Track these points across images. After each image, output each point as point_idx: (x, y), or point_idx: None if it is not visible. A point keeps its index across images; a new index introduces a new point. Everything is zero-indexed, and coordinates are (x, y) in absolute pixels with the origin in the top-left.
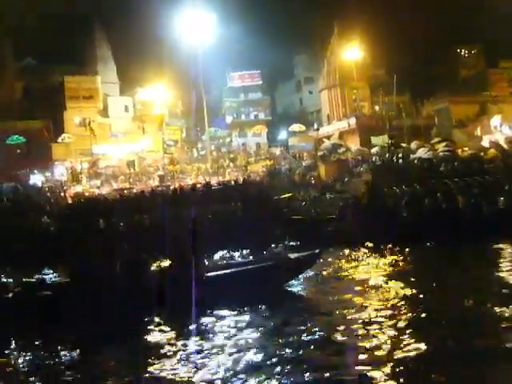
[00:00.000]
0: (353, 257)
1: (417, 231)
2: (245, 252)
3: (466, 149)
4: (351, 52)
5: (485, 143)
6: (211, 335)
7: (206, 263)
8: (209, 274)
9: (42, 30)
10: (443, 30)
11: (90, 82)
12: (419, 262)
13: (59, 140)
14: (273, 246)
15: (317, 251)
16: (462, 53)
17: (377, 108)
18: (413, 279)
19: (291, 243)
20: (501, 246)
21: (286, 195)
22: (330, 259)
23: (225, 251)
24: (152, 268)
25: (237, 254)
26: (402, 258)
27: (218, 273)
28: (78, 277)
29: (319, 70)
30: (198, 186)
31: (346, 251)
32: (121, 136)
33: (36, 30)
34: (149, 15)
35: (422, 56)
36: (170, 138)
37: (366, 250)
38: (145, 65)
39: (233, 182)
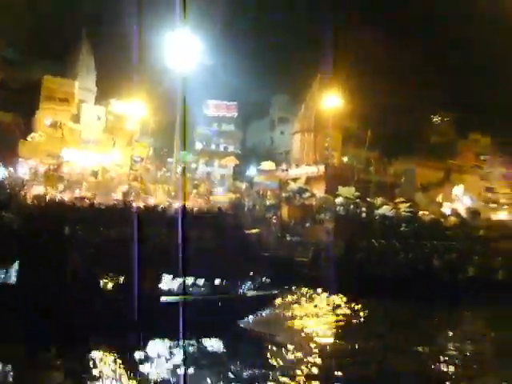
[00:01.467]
0: (317, 301)
1: (390, 286)
2: (206, 282)
3: (427, 212)
4: (330, 101)
5: (445, 210)
6: (153, 363)
7: (162, 287)
8: (163, 299)
9: (28, 22)
10: (420, 94)
11: (69, 85)
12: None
13: (29, 138)
14: (238, 280)
15: (275, 292)
16: (436, 119)
17: (345, 159)
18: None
19: (262, 279)
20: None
21: (255, 230)
22: (292, 300)
23: (187, 278)
24: (103, 283)
25: (198, 281)
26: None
27: (174, 298)
28: (25, 280)
29: (295, 112)
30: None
31: (315, 295)
32: (92, 144)
33: (21, 21)
34: (135, 31)
35: (397, 116)
36: (137, 154)
37: (336, 298)
38: (123, 77)
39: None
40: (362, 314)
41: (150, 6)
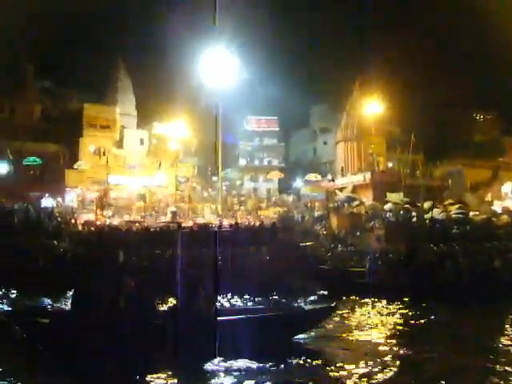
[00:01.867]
0: (377, 311)
1: (458, 291)
2: (261, 299)
3: (477, 213)
4: (372, 107)
5: (496, 208)
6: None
7: (219, 306)
8: (220, 319)
9: (63, 54)
10: (462, 94)
11: (109, 111)
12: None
13: (75, 166)
14: (297, 295)
15: (333, 305)
16: (478, 118)
17: (390, 164)
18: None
19: (320, 292)
20: None
21: (308, 243)
22: (352, 313)
23: (243, 295)
24: (159, 307)
25: (253, 299)
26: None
27: (230, 318)
28: (80, 306)
29: (335, 121)
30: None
31: (377, 304)
32: (138, 168)
33: (58, 54)
34: (173, 52)
35: (439, 117)
36: (182, 174)
37: (401, 305)
38: (163, 100)
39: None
40: (431, 320)
41: (185, 26)
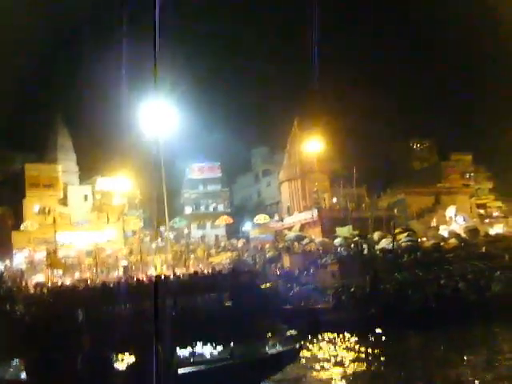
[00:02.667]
0: (347, 346)
1: (427, 316)
2: (223, 346)
3: (424, 239)
4: (312, 145)
5: (442, 233)
6: None
7: (180, 357)
8: (181, 371)
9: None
10: (396, 124)
11: (51, 170)
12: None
13: (22, 227)
14: (264, 336)
15: (297, 346)
16: (415, 146)
17: (334, 200)
18: None
19: (288, 332)
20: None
21: (267, 285)
22: (318, 351)
23: (204, 344)
24: (115, 364)
25: (216, 347)
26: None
27: (192, 369)
28: (35, 373)
29: (277, 162)
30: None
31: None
32: (85, 224)
33: None
34: (109, 106)
35: (378, 149)
36: (129, 228)
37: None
38: (104, 154)
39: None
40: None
41: (120, 79)
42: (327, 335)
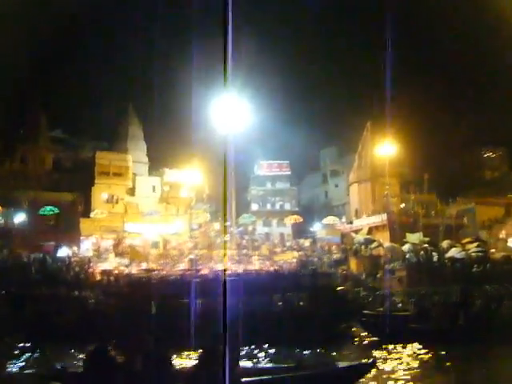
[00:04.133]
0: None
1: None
2: (294, 352)
3: (493, 250)
4: (384, 148)
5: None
6: None
7: (243, 365)
8: (245, 380)
9: (73, 102)
10: (471, 131)
11: (121, 159)
12: None
13: (91, 215)
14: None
15: (371, 361)
16: (487, 155)
17: (402, 205)
18: None
19: (370, 338)
20: None
21: (339, 288)
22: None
23: (272, 349)
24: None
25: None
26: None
27: (256, 379)
28: (93, 369)
29: (345, 164)
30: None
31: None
32: (153, 216)
33: (66, 102)
34: (184, 98)
35: (449, 156)
36: (195, 221)
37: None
38: (174, 146)
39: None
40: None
41: (194, 72)
42: (411, 346)
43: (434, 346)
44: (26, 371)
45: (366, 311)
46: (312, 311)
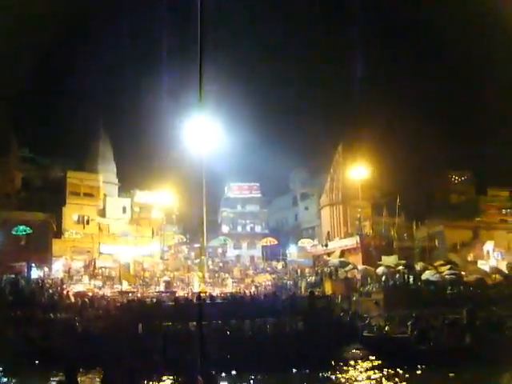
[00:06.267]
0: None
1: None
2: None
3: (463, 273)
4: (356, 171)
5: (483, 267)
6: None
7: None
8: None
9: (41, 120)
10: (436, 156)
11: (92, 179)
12: None
13: (66, 235)
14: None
15: None
16: (453, 179)
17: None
18: None
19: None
20: None
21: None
22: None
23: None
24: None
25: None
26: None
27: None
28: None
29: (316, 185)
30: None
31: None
32: (127, 237)
33: (32, 121)
34: (154, 120)
35: (416, 180)
36: (165, 243)
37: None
38: (144, 167)
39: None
40: None
41: (166, 92)
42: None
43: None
44: None
45: (366, 334)
46: (312, 334)
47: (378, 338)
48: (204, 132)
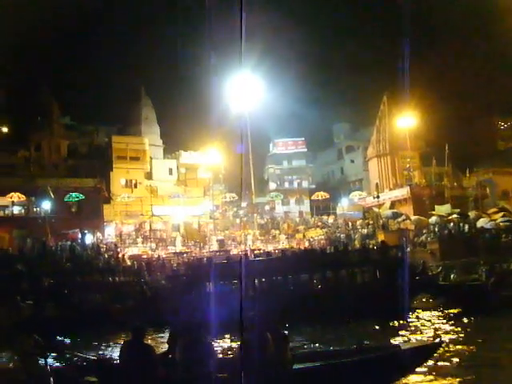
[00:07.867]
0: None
1: None
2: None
3: None
4: (404, 120)
5: None
6: None
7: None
8: (296, 367)
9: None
10: (483, 103)
11: (138, 142)
12: None
13: (117, 199)
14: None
15: (438, 340)
16: (500, 125)
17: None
18: None
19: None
20: None
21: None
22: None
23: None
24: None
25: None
26: None
27: (308, 366)
28: (128, 361)
29: (360, 138)
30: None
31: None
32: (181, 198)
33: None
34: (197, 78)
35: (463, 128)
36: (214, 202)
37: None
38: (188, 128)
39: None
40: None
41: (207, 51)
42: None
43: None
44: (59, 364)
45: (440, 282)
46: (386, 285)
47: (452, 286)
48: (247, 89)
